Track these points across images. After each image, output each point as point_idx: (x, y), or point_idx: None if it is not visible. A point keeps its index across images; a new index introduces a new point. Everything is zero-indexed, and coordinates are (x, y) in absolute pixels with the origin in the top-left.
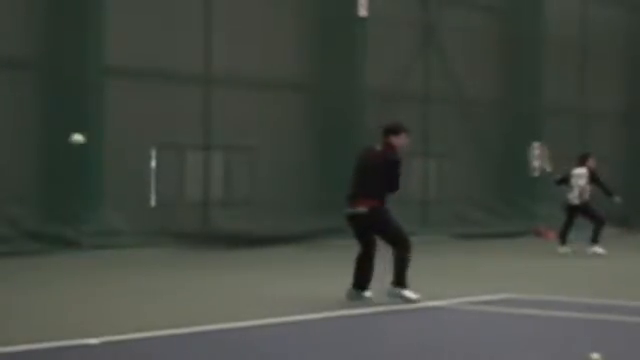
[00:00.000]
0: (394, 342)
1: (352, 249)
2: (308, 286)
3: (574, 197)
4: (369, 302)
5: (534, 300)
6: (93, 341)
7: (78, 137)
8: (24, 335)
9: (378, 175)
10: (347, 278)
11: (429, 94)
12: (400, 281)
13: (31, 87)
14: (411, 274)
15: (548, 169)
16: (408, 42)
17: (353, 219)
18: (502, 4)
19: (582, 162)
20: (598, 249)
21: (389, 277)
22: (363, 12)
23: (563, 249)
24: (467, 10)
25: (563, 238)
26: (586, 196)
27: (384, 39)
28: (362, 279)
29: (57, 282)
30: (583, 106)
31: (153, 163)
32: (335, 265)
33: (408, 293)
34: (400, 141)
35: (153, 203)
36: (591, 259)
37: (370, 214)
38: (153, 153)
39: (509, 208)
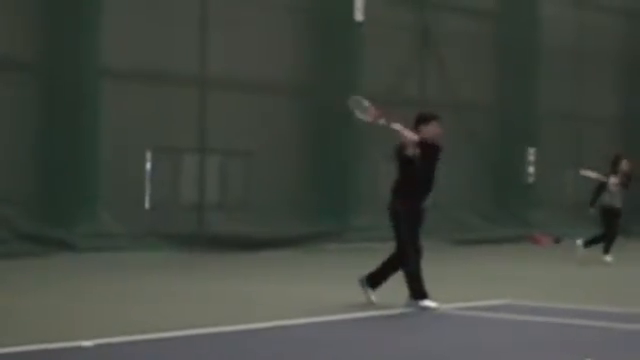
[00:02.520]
0: (392, 347)
1: (347, 253)
2: (303, 290)
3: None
4: (372, 306)
5: (530, 306)
6: (87, 343)
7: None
8: (18, 337)
9: (398, 171)
10: (342, 282)
11: (425, 99)
12: (413, 293)
13: (27, 88)
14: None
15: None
16: (404, 46)
17: None
18: (498, 9)
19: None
20: (608, 258)
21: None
22: (360, 16)
23: (609, 257)
24: (463, 15)
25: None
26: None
27: (380, 43)
28: (376, 274)
29: (51, 284)
30: (579, 111)
31: (148, 165)
32: (330, 269)
33: (425, 303)
34: (429, 130)
35: (148, 206)
36: (589, 266)
37: (389, 210)
38: (148, 155)
39: (505, 214)
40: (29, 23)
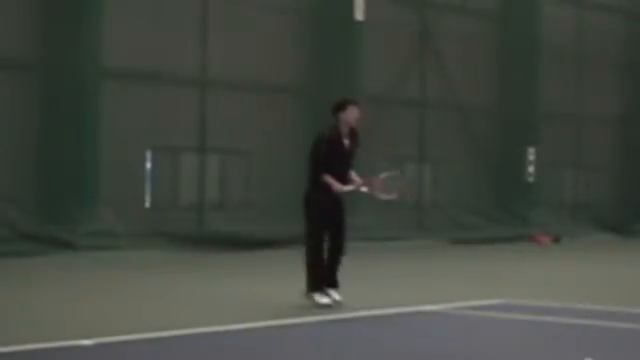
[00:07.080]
0: (387, 347)
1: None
2: (303, 289)
3: None
4: (371, 306)
5: (528, 305)
6: (87, 342)
7: None
8: (17, 336)
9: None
10: (340, 282)
11: (425, 99)
12: (307, 285)
13: (28, 88)
14: (406, 278)
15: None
16: (405, 47)
17: None
18: (498, 10)
19: None
20: None
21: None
22: (360, 16)
23: None
24: (463, 15)
25: None
26: None
27: (380, 43)
28: (326, 276)
29: (51, 283)
30: (580, 111)
31: (148, 165)
32: None
33: (316, 297)
34: (348, 116)
35: (148, 205)
36: (586, 264)
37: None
38: (148, 155)
39: (504, 213)
40: (29, 23)
